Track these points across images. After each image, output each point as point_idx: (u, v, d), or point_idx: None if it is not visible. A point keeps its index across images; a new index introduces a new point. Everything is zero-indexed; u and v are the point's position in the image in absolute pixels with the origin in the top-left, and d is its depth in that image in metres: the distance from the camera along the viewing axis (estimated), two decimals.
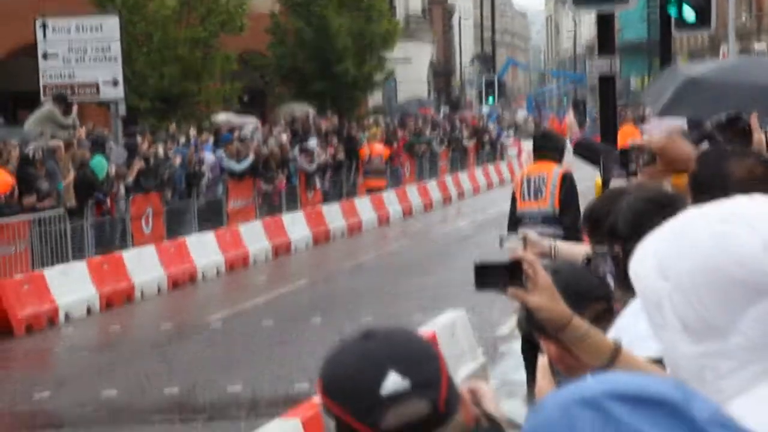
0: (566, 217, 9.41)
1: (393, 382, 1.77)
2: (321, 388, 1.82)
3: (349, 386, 1.79)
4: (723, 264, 1.63)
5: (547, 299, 2.64)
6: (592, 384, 1.32)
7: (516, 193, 9.60)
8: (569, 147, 8.97)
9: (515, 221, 9.44)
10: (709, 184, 3.00)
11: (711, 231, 1.65)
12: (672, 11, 15.00)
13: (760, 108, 4.40)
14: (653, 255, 1.69)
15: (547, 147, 9.71)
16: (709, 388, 1.62)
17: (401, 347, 1.81)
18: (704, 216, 1.68)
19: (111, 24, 22.37)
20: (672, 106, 7.11)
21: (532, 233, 4.71)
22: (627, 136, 13.84)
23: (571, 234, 9.26)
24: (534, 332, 3.29)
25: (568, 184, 9.54)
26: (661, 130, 8.31)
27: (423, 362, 1.80)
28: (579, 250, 4.46)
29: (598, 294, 3.24)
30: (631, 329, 2.83)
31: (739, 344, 1.63)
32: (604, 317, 3.13)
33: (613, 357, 2.63)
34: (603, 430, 1.27)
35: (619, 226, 3.43)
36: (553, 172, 9.52)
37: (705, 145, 4.25)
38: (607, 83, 13.61)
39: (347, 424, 1.78)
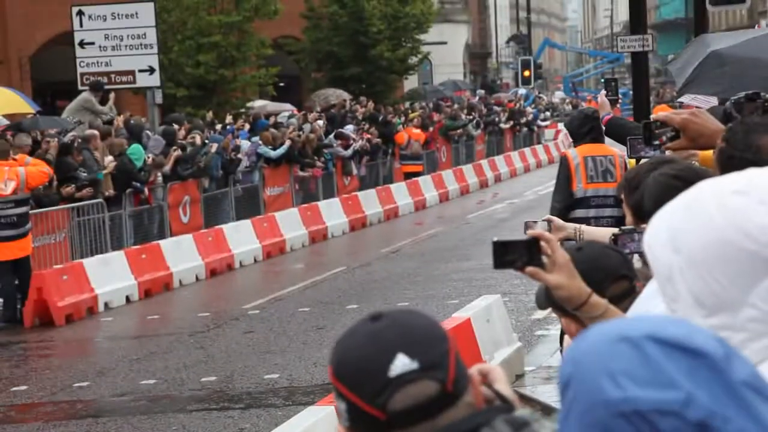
0: None
1: (401, 363, 1.78)
2: (331, 373, 1.85)
3: (357, 369, 1.81)
4: (734, 237, 1.63)
5: (565, 277, 2.67)
6: (638, 323, 1.33)
7: (575, 174, 9.10)
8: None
9: (572, 203, 9.01)
10: (740, 159, 2.99)
11: (722, 204, 1.65)
12: None
13: None
14: (666, 228, 1.70)
15: (601, 129, 9.41)
16: None
17: (409, 329, 1.82)
18: (716, 189, 1.69)
19: (146, 11, 22.47)
20: (693, 84, 7.09)
21: (556, 218, 4.71)
22: None
23: None
24: (553, 310, 3.32)
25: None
26: (701, 101, 8.23)
27: (431, 343, 1.81)
28: (604, 232, 4.48)
29: (621, 272, 3.24)
30: (647, 312, 2.85)
31: (750, 317, 1.64)
32: (627, 296, 3.14)
33: None
34: (639, 369, 1.29)
35: (645, 202, 3.44)
36: (617, 154, 9.21)
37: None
38: (639, 61, 13.52)
39: (357, 407, 1.80)
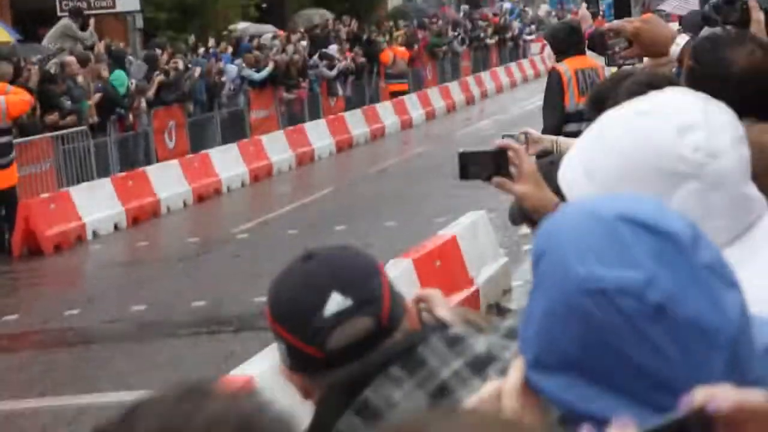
0: None
1: (335, 302, 1.80)
2: (268, 315, 1.86)
3: (293, 310, 1.82)
4: (642, 156, 1.68)
5: (532, 187, 2.66)
6: (612, 202, 1.35)
7: (567, 88, 9.00)
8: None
9: (566, 118, 8.87)
10: (710, 75, 2.96)
11: (627, 127, 1.71)
12: None
13: None
14: (578, 158, 1.74)
15: (584, 40, 9.25)
16: None
17: (341, 267, 1.85)
18: (620, 114, 1.74)
19: None
20: None
21: (533, 130, 4.68)
22: None
23: None
24: (527, 225, 3.34)
25: None
26: (684, 8, 8.12)
27: (364, 280, 1.84)
28: None
29: None
30: None
31: None
32: None
33: None
34: (606, 248, 1.30)
35: None
36: (602, 67, 9.03)
37: (705, 29, 4.24)
38: None
39: (295, 348, 1.83)
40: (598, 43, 3.75)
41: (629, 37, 3.61)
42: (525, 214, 3.31)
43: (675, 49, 3.59)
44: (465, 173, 2.69)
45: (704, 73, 2.98)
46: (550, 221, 1.36)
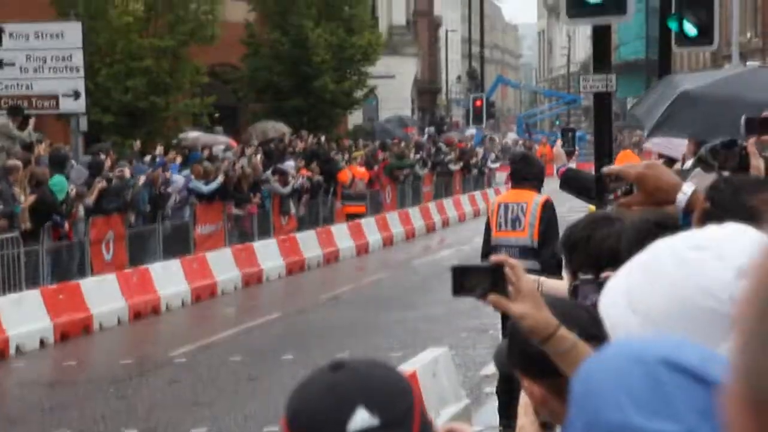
0: (545, 250, 9.27)
1: (361, 419, 1.75)
2: (285, 423, 1.80)
3: (314, 422, 1.77)
4: (692, 294, 1.65)
5: (531, 307, 2.64)
6: (656, 345, 1.35)
7: (491, 221, 9.51)
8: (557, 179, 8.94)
9: (489, 252, 9.33)
10: (732, 219, 2.93)
11: (679, 260, 1.67)
12: (672, 25, 15.02)
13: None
14: (622, 290, 1.71)
15: (526, 173, 9.63)
16: None
17: (371, 381, 1.80)
18: (672, 246, 1.71)
19: (73, 31, 22.30)
20: (665, 125, 7.14)
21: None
22: (625, 161, 13.79)
23: (550, 268, 9.17)
24: (514, 371, 3.25)
25: (548, 214, 9.45)
26: (667, 147, 8.28)
27: (394, 398, 1.79)
28: (564, 285, 4.45)
29: (591, 332, 3.20)
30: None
31: None
32: None
33: None
34: (645, 395, 1.29)
35: (623, 248, 3.40)
36: (533, 201, 9.42)
37: (698, 171, 4.23)
38: (602, 102, 13.57)
39: None
40: (597, 186, 3.73)
41: (633, 183, 3.59)
42: (514, 361, 3.21)
43: (682, 197, 3.57)
44: (459, 289, 2.68)
45: (724, 218, 2.94)
46: (589, 361, 1.36)
